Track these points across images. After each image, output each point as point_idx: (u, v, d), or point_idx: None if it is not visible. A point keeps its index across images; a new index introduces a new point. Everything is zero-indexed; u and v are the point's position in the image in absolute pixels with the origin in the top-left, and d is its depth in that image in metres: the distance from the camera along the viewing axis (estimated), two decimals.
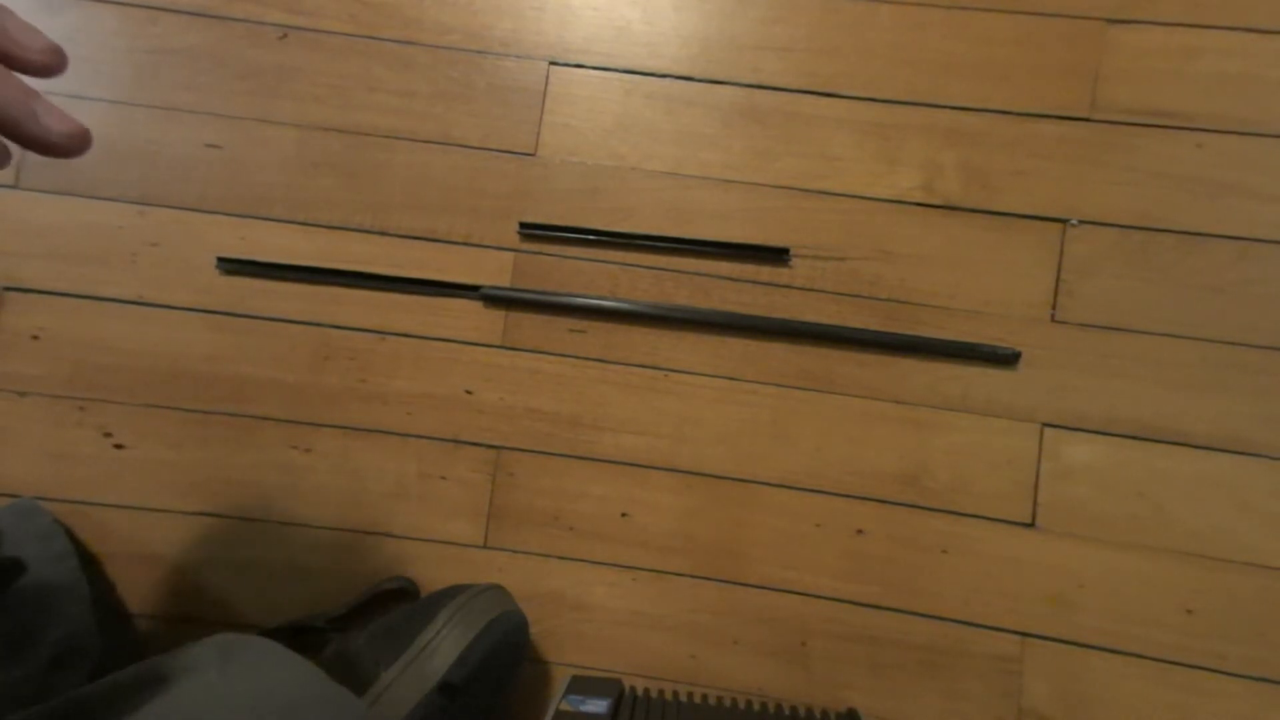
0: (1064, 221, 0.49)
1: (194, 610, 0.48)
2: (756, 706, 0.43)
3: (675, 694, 0.44)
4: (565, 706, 0.40)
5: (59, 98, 0.50)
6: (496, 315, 0.50)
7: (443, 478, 0.49)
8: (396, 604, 0.47)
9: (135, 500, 0.49)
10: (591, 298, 0.49)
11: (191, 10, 0.51)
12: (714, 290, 0.49)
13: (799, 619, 0.47)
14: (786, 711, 0.43)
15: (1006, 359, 0.48)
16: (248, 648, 0.36)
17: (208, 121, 0.51)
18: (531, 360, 0.49)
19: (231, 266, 0.49)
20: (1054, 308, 0.48)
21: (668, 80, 0.51)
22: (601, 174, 0.50)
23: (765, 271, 0.49)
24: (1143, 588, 0.46)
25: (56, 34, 0.52)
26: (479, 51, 0.51)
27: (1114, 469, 0.47)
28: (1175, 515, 0.46)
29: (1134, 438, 0.47)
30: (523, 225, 0.50)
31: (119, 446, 0.49)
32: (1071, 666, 0.46)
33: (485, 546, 0.48)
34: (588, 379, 0.49)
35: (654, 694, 0.44)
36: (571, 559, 0.48)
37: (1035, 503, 0.47)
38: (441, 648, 0.40)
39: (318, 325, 0.50)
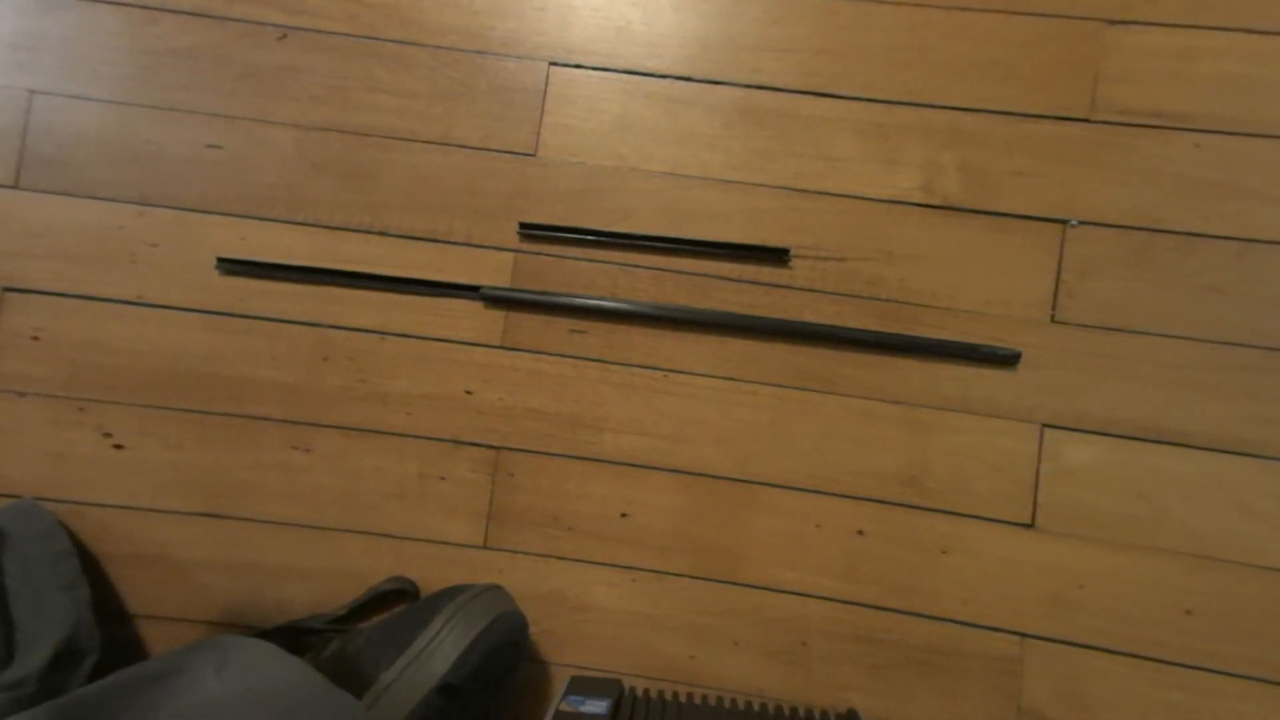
0: (1064, 222, 0.49)
1: (194, 610, 0.48)
2: (756, 707, 0.43)
3: (675, 694, 0.44)
4: (565, 707, 0.40)
5: (59, 98, 0.50)
6: (496, 315, 0.50)
7: (442, 478, 0.49)
8: (396, 604, 0.48)
9: (135, 500, 0.49)
10: (591, 298, 0.49)
11: (191, 10, 0.51)
12: (714, 290, 0.49)
13: (799, 619, 0.47)
14: (786, 712, 0.43)
15: (1006, 359, 0.48)
16: (245, 650, 0.36)
17: (208, 121, 0.51)
18: (531, 360, 0.49)
19: (231, 267, 0.49)
20: (1054, 308, 0.48)
21: (667, 81, 0.51)
22: (601, 174, 0.50)
23: (765, 272, 0.49)
24: (1143, 588, 0.46)
25: (56, 34, 0.52)
26: (479, 52, 0.51)
27: (1114, 469, 0.47)
28: (1175, 516, 0.46)
29: (1134, 438, 0.47)
30: (523, 225, 0.50)
31: (119, 446, 0.49)
32: (1071, 667, 0.46)
33: (485, 547, 0.48)
34: (588, 379, 0.49)
35: (654, 694, 0.44)
36: (571, 559, 0.48)
37: (1035, 503, 0.47)
38: (441, 648, 0.40)
39: (318, 325, 0.50)
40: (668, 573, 0.48)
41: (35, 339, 0.49)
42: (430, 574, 0.48)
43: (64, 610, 0.42)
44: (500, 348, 0.49)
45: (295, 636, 0.45)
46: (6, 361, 0.49)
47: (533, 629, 0.47)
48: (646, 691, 0.44)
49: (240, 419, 0.49)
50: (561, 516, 0.48)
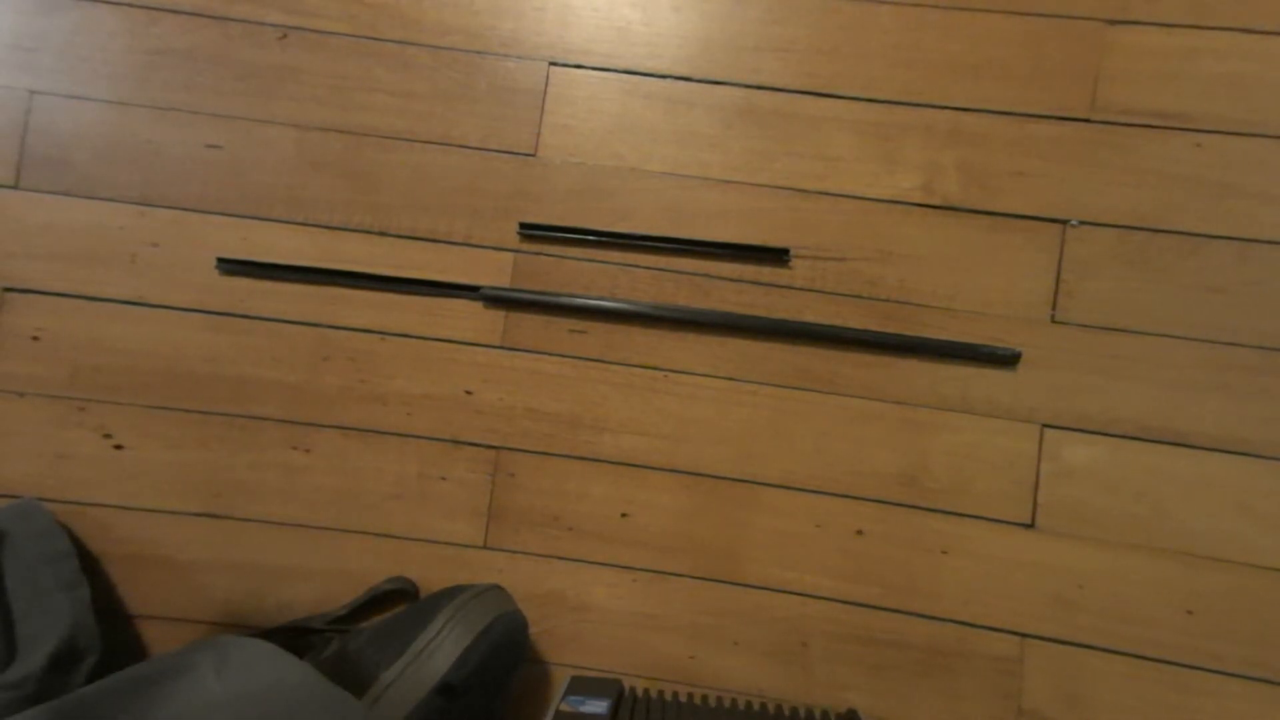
0: (1064, 222, 0.49)
1: (194, 610, 0.48)
2: (756, 707, 0.43)
3: (675, 694, 0.44)
4: (565, 707, 0.40)
5: (60, 98, 0.50)
6: (496, 315, 0.50)
7: (442, 478, 0.49)
8: (396, 604, 0.48)
9: (135, 500, 0.49)
10: (591, 298, 0.49)
11: (191, 10, 0.51)
12: (714, 290, 0.49)
13: (799, 619, 0.47)
14: (786, 712, 0.43)
15: (1006, 359, 0.48)
16: (245, 650, 0.36)
17: (208, 121, 0.51)
18: (531, 360, 0.49)
19: (231, 267, 0.49)
20: (1054, 308, 0.48)
21: (667, 81, 0.51)
22: (601, 174, 0.50)
23: (765, 272, 0.49)
24: (1143, 588, 0.46)
25: (56, 34, 0.52)
26: (479, 52, 0.51)
27: (1114, 469, 0.47)
28: (1175, 515, 0.46)
29: (1134, 438, 0.47)
30: (523, 225, 0.50)
31: (119, 447, 0.49)
32: (1071, 666, 0.46)
33: (485, 547, 0.48)
34: (588, 379, 0.49)
35: (654, 694, 0.44)
36: (571, 559, 0.48)
37: (1035, 503, 0.47)
38: (441, 648, 0.40)
39: (318, 325, 0.50)
40: (668, 573, 0.48)
41: (35, 339, 0.49)
42: (430, 574, 0.48)
43: (64, 610, 0.42)
44: (500, 348, 0.49)
45: (295, 636, 0.45)
46: (6, 361, 0.49)
47: (533, 629, 0.47)
48: (646, 691, 0.44)
49: (240, 419, 0.49)
50: (561, 516, 0.48)
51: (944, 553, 0.47)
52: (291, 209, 0.50)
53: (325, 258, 0.50)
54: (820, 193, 0.50)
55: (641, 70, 0.51)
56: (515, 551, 0.48)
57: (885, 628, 0.47)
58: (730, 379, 0.49)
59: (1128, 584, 0.46)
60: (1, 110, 0.50)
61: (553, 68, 0.51)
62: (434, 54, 0.51)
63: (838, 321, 0.49)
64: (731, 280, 0.49)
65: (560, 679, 0.47)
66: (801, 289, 0.49)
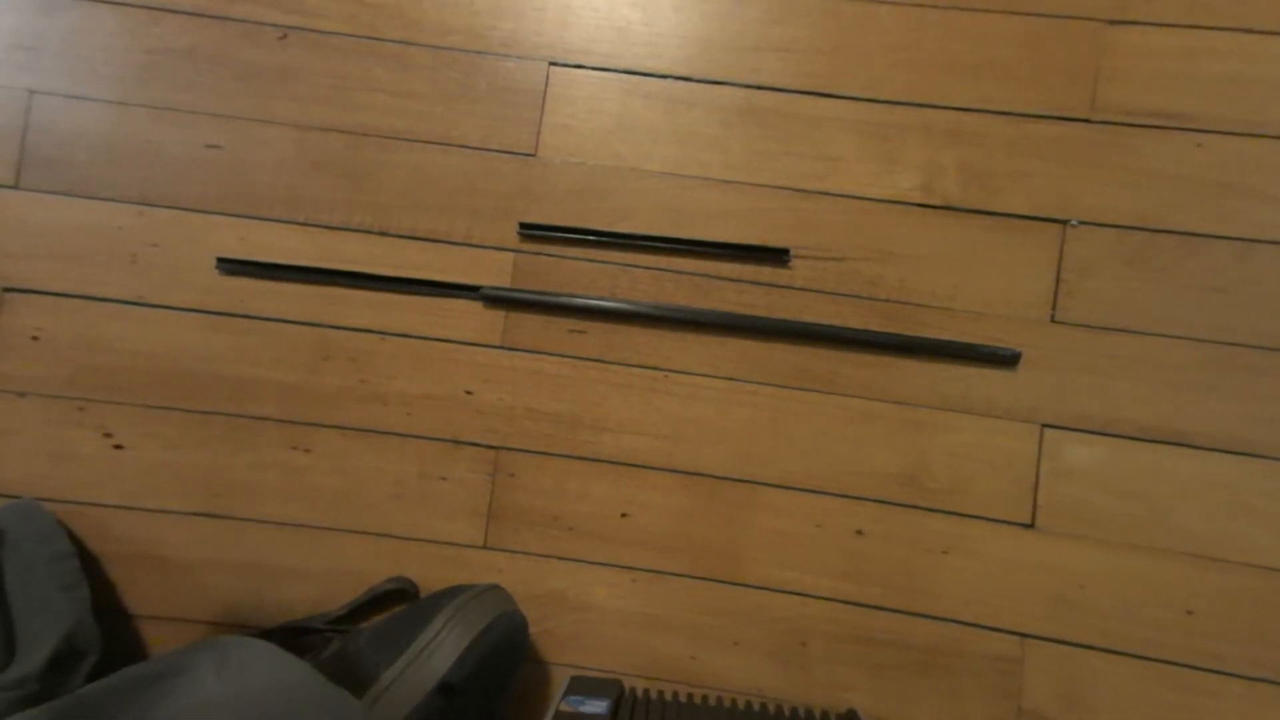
0: (1064, 222, 0.49)
1: (194, 610, 0.48)
2: (756, 707, 0.43)
3: (675, 694, 0.44)
4: (565, 707, 0.40)
5: (59, 98, 0.50)
6: (496, 315, 0.50)
7: (443, 478, 0.49)
8: (396, 604, 0.48)
9: (135, 500, 0.49)
10: (591, 298, 0.49)
11: (191, 10, 0.51)
12: (714, 290, 0.49)
13: (798, 619, 0.47)
14: (786, 712, 0.43)
15: (1006, 359, 0.48)
16: (245, 650, 0.36)
17: (208, 121, 0.51)
18: (531, 360, 0.49)
19: (231, 267, 0.50)
20: (1054, 308, 0.48)
21: (668, 81, 0.51)
22: (601, 174, 0.50)
23: (765, 272, 0.49)
24: (1143, 588, 0.46)
25: (56, 34, 0.52)
26: (479, 52, 0.51)
27: (1114, 469, 0.47)
28: (1175, 515, 0.46)
29: (1134, 438, 0.47)
30: (523, 225, 0.50)
31: (119, 447, 0.49)
32: (1071, 666, 0.46)
33: (485, 547, 0.48)
34: (588, 379, 0.49)
35: (654, 694, 0.44)
36: (571, 559, 0.48)
37: (1035, 503, 0.47)
38: (441, 648, 0.40)
39: (318, 325, 0.50)
40: (668, 573, 0.48)
41: (35, 339, 0.49)
42: (430, 574, 0.48)
43: (64, 610, 0.42)
44: (500, 348, 0.49)
45: (295, 636, 0.45)
46: (6, 361, 0.49)
47: (533, 629, 0.47)
48: (646, 691, 0.44)
49: (240, 419, 0.49)
50: (561, 516, 0.48)
51: (944, 553, 0.47)
52: (291, 209, 0.50)
53: (325, 258, 0.50)
54: (820, 193, 0.50)
55: (641, 70, 0.51)
56: (515, 551, 0.48)
57: (885, 628, 0.47)
58: (730, 379, 0.49)
59: (1128, 584, 0.46)
60: (1, 110, 0.50)
61: (553, 68, 0.51)
62: (434, 54, 0.51)
63: (838, 321, 0.49)
64: (731, 280, 0.49)
65: (560, 679, 0.47)
66: (801, 289, 0.49)
